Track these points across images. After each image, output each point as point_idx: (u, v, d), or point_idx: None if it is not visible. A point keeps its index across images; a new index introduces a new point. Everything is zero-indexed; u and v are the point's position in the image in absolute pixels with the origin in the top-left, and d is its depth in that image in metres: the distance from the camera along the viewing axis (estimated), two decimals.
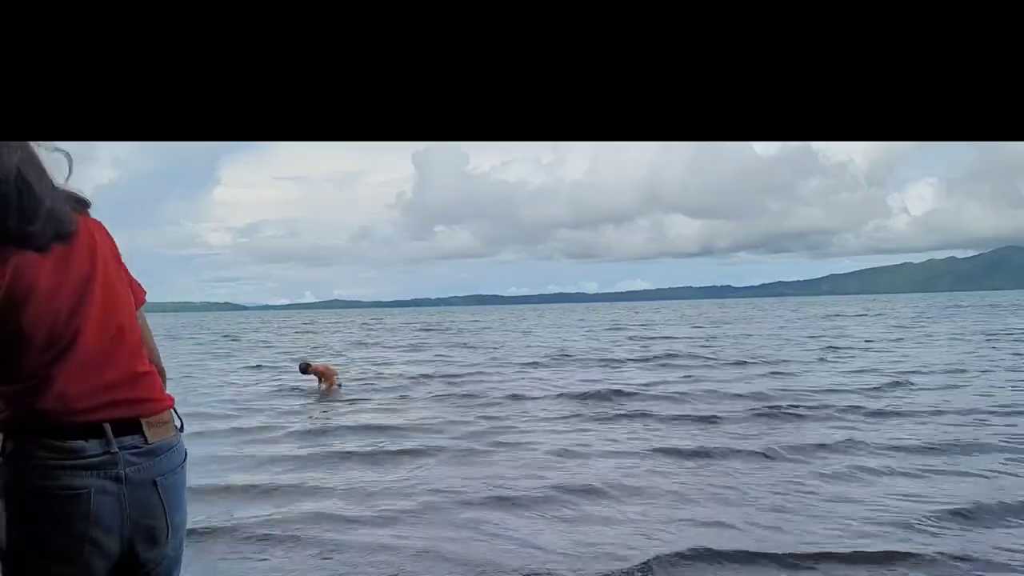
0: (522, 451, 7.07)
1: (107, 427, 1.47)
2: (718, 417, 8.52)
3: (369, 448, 7.41)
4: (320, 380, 12.22)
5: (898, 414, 8.47)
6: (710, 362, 15.74)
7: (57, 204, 1.45)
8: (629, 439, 7.60)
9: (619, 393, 10.91)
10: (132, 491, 1.49)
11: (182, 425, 1.66)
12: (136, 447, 1.50)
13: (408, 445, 7.39)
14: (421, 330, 39.76)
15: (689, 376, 13.01)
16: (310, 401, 11.38)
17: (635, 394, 10.78)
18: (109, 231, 1.61)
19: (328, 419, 9.49)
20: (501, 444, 7.42)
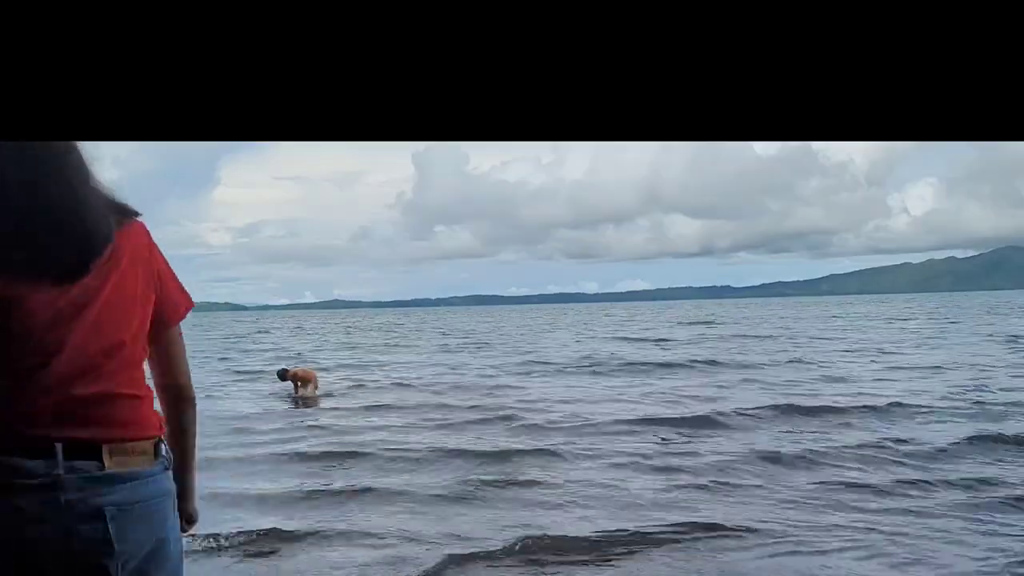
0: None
1: (58, 447, 1.32)
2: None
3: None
4: (297, 385, 11.93)
5: None
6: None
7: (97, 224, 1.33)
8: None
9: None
10: (77, 521, 1.32)
11: (171, 461, 1.50)
12: (87, 472, 1.34)
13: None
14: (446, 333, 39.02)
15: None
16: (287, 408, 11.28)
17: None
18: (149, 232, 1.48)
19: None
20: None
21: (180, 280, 1.54)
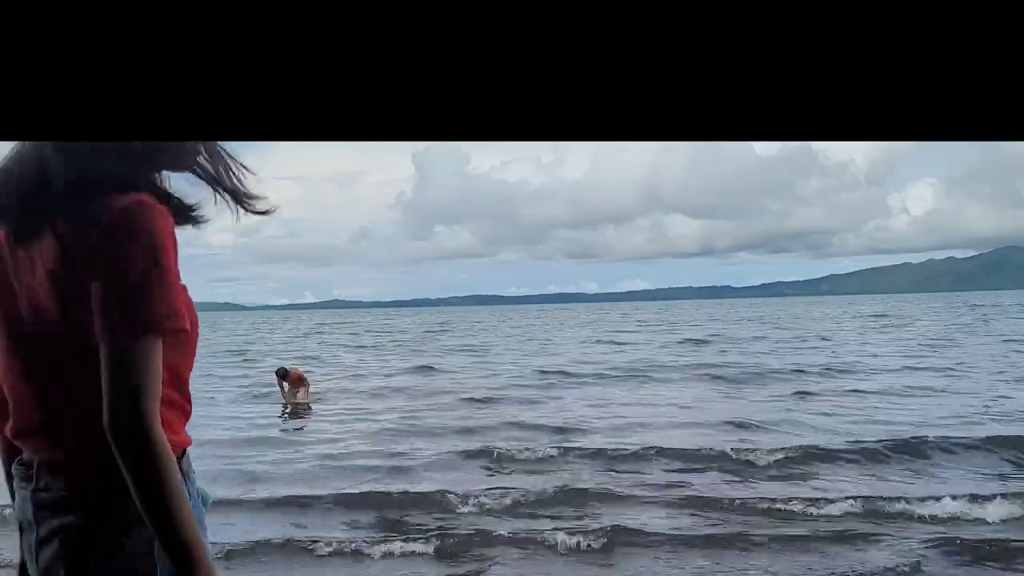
0: None
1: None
2: None
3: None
4: (286, 387, 11.50)
5: None
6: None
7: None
8: None
9: None
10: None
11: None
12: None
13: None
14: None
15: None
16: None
17: None
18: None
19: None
20: None
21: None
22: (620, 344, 26.69)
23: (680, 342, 26.32)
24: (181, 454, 1.24)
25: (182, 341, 1.21)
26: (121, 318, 1.10)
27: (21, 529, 1.24)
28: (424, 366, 18.88)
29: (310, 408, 11.62)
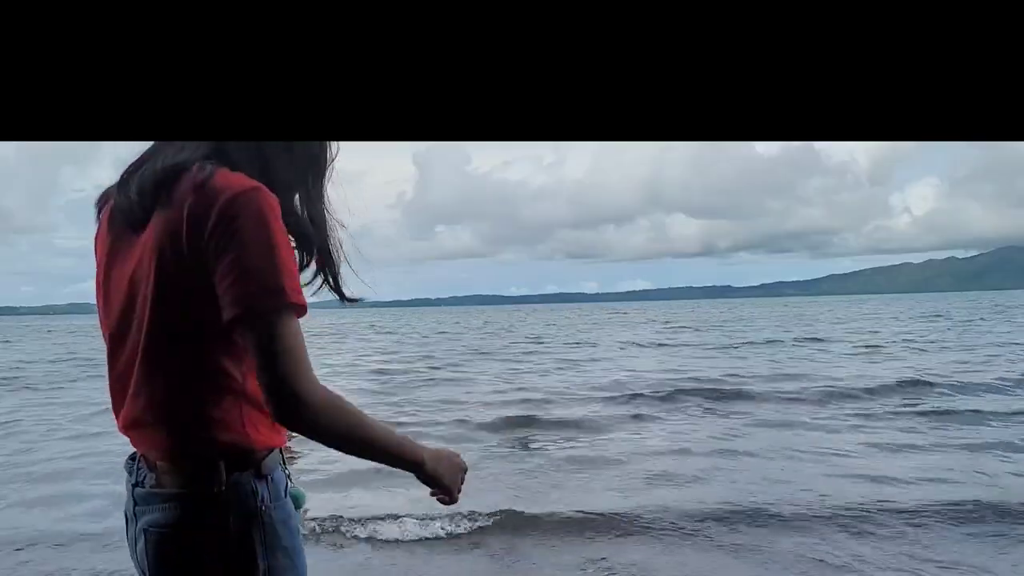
0: None
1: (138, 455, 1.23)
2: None
3: None
4: None
5: None
6: None
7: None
8: None
9: None
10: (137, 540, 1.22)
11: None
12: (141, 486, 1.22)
13: None
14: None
15: None
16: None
17: None
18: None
19: None
20: None
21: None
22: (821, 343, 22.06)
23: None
24: (267, 453, 1.21)
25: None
26: (259, 288, 1.07)
27: (127, 520, 1.25)
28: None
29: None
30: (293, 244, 1.21)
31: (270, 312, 1.07)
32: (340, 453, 1.16)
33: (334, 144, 1.30)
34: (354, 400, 1.15)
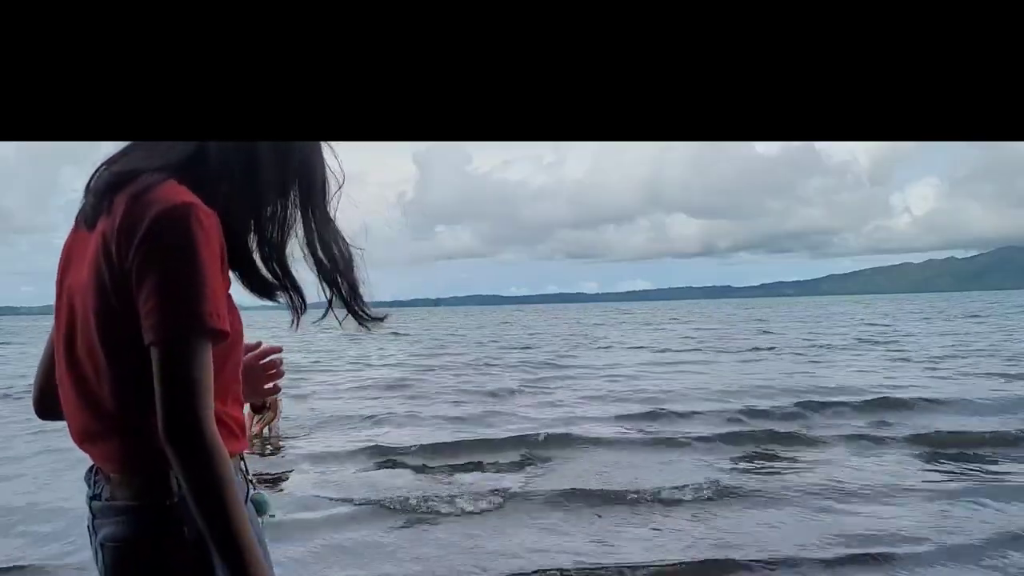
0: None
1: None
2: None
3: None
4: (252, 419, 8.00)
5: None
6: None
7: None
8: None
9: None
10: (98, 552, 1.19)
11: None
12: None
13: None
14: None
15: None
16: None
17: None
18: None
19: None
20: None
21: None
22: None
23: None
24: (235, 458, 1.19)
25: (226, 344, 1.14)
26: (171, 314, 1.05)
27: (88, 533, 1.22)
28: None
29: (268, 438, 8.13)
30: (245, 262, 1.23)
31: (180, 341, 1.05)
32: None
33: (337, 171, 1.28)
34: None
